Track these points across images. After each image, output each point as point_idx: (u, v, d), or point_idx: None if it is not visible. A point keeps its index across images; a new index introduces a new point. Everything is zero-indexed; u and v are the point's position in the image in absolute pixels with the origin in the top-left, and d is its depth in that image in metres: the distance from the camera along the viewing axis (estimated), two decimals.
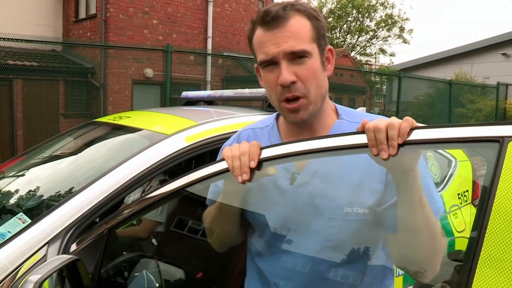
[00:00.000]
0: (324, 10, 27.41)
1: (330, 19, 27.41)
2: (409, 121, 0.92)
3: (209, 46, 12.86)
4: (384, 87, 25.22)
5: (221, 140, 1.86)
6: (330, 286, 1.17)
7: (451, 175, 2.69)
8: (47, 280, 1.09)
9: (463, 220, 2.49)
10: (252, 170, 1.07)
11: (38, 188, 2.01)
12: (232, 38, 13.72)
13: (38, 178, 2.19)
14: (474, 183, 2.81)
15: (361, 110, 3.33)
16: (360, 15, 27.36)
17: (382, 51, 28.61)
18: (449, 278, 1.02)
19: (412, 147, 0.93)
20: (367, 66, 29.58)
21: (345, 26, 27.95)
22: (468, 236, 0.87)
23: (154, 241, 2.45)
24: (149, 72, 11.01)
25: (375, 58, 29.99)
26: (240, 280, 1.35)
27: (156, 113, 2.61)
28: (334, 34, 28.09)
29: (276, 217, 1.20)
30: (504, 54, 19.02)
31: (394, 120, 0.93)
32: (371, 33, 27.93)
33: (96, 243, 1.40)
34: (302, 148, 1.06)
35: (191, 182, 1.22)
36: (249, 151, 1.08)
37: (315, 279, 1.16)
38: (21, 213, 1.73)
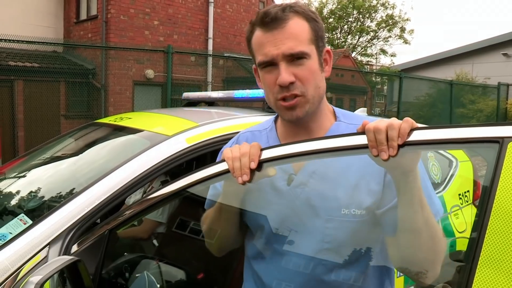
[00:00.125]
0: (325, 11, 27.41)
1: (331, 20, 27.41)
2: (409, 122, 0.93)
3: (210, 47, 12.87)
4: (385, 87, 25.27)
5: (222, 141, 1.86)
6: None
7: (452, 175, 2.69)
8: (48, 281, 1.09)
9: (464, 220, 2.48)
10: (252, 171, 1.07)
11: (39, 189, 2.02)
12: (233, 39, 13.73)
13: (39, 179, 2.20)
14: (475, 184, 2.80)
15: (362, 110, 3.35)
16: (360, 16, 27.34)
17: (383, 51, 28.60)
18: (450, 278, 1.02)
19: (412, 148, 0.93)
20: (368, 66, 29.59)
21: (346, 26, 27.94)
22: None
23: (155, 242, 2.45)
24: (150, 73, 11.03)
25: (376, 58, 29.99)
26: (242, 281, 1.34)
27: (157, 114, 2.62)
28: (335, 35, 28.08)
29: (273, 219, 1.20)
30: (505, 54, 19.01)
31: (394, 121, 0.94)
32: (372, 33, 27.92)
33: (97, 244, 1.41)
34: (304, 149, 1.06)
35: (192, 183, 1.22)
36: (249, 152, 1.08)
37: (312, 281, 1.15)
38: (22, 214, 1.73)
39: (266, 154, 1.09)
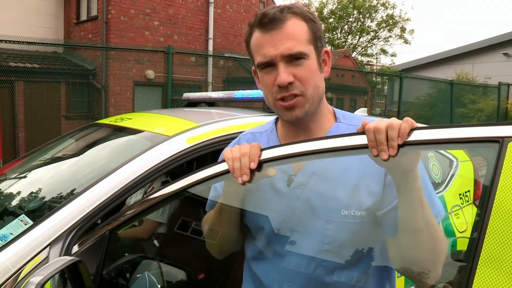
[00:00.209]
0: (325, 11, 27.42)
1: (331, 20, 27.42)
2: (409, 121, 0.93)
3: (210, 48, 12.88)
4: (386, 87, 25.26)
5: (222, 142, 1.86)
6: None
7: (452, 175, 2.68)
8: (49, 281, 1.10)
9: (464, 220, 2.48)
10: (252, 172, 1.07)
11: (40, 190, 2.02)
12: (233, 39, 13.74)
13: (40, 180, 2.20)
14: (476, 183, 2.80)
15: (362, 111, 3.35)
16: (361, 16, 27.35)
17: (383, 51, 28.61)
18: (451, 278, 1.02)
19: (412, 148, 0.93)
20: (369, 66, 29.57)
21: (346, 26, 27.94)
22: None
23: (155, 242, 2.45)
24: (150, 73, 11.03)
25: (376, 58, 30.00)
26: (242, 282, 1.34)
27: (158, 115, 2.62)
28: (335, 35, 28.09)
29: (272, 219, 1.20)
30: (505, 54, 19.00)
31: (394, 120, 0.94)
32: (372, 33, 27.93)
33: (98, 244, 1.41)
34: (303, 149, 1.06)
35: (192, 183, 1.23)
36: (249, 153, 1.08)
37: (312, 282, 1.15)
38: (23, 215, 1.74)
39: (266, 154, 1.10)
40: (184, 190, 1.24)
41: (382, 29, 27.55)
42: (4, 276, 1.33)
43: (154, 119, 2.51)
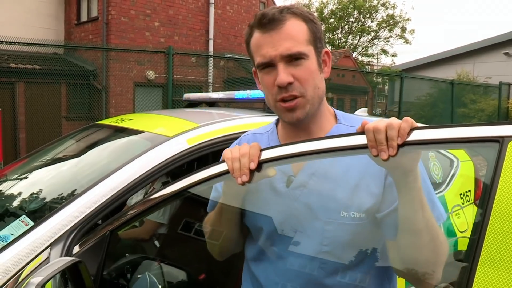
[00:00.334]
0: (326, 11, 27.44)
1: (331, 20, 27.43)
2: (408, 121, 0.92)
3: (211, 48, 12.88)
4: (386, 87, 25.25)
5: (222, 142, 1.86)
6: None
7: (453, 175, 2.68)
8: (50, 282, 1.10)
9: (465, 220, 2.48)
10: (252, 172, 1.07)
11: (40, 190, 2.02)
12: (233, 39, 13.74)
13: (41, 180, 2.20)
14: (476, 183, 2.80)
15: (363, 111, 3.34)
16: (361, 16, 27.36)
17: (384, 51, 28.61)
18: (451, 278, 1.02)
19: (412, 148, 0.92)
20: (369, 66, 29.56)
21: (346, 26, 27.95)
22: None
23: (156, 243, 2.45)
24: (151, 74, 11.04)
25: (377, 58, 30.00)
26: None
27: (158, 115, 2.62)
28: (336, 35, 28.10)
29: (271, 220, 1.19)
30: (506, 54, 19.00)
31: (393, 120, 0.93)
32: (372, 33, 27.94)
33: (99, 245, 1.41)
34: (303, 149, 1.06)
35: (193, 184, 1.23)
36: (249, 153, 1.08)
37: (311, 284, 1.15)
38: (24, 216, 1.74)
39: (266, 155, 1.10)
40: (184, 190, 1.25)
41: (382, 29, 27.57)
42: (5, 277, 1.34)
43: (155, 119, 2.51)
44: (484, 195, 0.84)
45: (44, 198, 1.93)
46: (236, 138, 1.39)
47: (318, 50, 1.15)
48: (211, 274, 2.10)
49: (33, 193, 2.01)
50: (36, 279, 1.04)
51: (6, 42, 6.89)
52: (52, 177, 2.21)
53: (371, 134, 0.93)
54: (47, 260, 1.40)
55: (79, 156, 2.38)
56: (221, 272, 2.05)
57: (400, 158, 0.92)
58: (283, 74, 1.09)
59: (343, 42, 28.02)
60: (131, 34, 11.21)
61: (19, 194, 2.06)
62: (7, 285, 1.33)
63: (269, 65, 1.12)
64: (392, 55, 31.45)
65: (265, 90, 1.17)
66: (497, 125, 0.86)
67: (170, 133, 1.91)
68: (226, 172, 1.12)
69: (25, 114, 9.08)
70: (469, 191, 2.68)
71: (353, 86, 18.09)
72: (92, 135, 2.57)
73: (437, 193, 2.45)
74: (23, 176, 2.30)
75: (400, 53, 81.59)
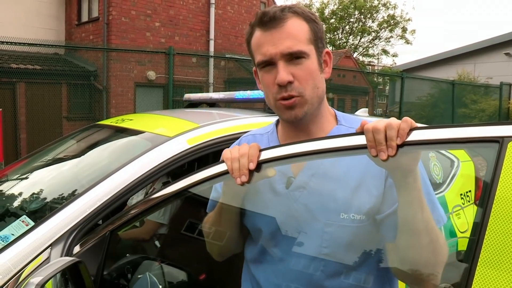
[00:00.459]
0: (326, 11, 27.43)
1: (332, 20, 27.42)
2: (408, 121, 0.92)
3: (211, 48, 12.89)
4: (387, 87, 25.22)
5: (223, 142, 1.86)
6: None
7: (453, 175, 2.68)
8: (50, 282, 1.10)
9: (466, 220, 2.48)
10: (251, 172, 1.07)
11: (41, 190, 2.02)
12: (234, 40, 13.75)
13: (41, 180, 2.20)
14: (477, 183, 2.79)
15: (363, 111, 3.34)
16: (362, 16, 27.35)
17: (385, 51, 28.60)
18: (451, 279, 1.01)
19: (411, 148, 0.92)
20: (370, 67, 29.56)
21: (347, 27, 27.95)
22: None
23: (156, 243, 2.45)
24: (151, 74, 11.04)
25: (378, 59, 29.97)
26: None
27: (159, 116, 2.62)
28: (337, 35, 28.09)
29: (271, 222, 1.19)
30: (507, 54, 18.98)
31: (393, 120, 0.93)
32: (373, 34, 27.92)
33: (99, 245, 1.41)
34: (302, 149, 1.06)
35: (193, 184, 1.23)
36: (248, 153, 1.08)
37: (310, 286, 1.14)
38: (24, 216, 1.74)
39: (265, 155, 1.09)
40: (185, 190, 1.25)
41: (383, 30, 27.56)
42: (5, 277, 1.34)
43: (155, 120, 2.52)
44: (484, 195, 0.84)
45: (45, 198, 1.93)
46: (237, 139, 1.39)
47: (319, 50, 1.15)
48: (212, 274, 2.10)
49: (33, 193, 2.01)
50: (36, 279, 1.04)
51: (7, 43, 6.89)
52: (53, 177, 2.21)
53: (370, 134, 0.93)
54: (47, 260, 1.40)
55: (79, 156, 2.38)
56: (221, 272, 2.05)
57: (400, 158, 0.92)
58: (283, 73, 1.09)
59: (344, 42, 28.01)
60: (131, 35, 11.21)
61: (20, 194, 2.06)
62: (7, 285, 1.33)
63: (269, 64, 1.12)
64: (393, 56, 31.46)
65: (265, 89, 1.17)
66: (497, 125, 0.86)
67: (171, 133, 1.91)
68: (225, 172, 1.12)
69: (25, 114, 9.09)
70: (470, 191, 2.68)
71: (354, 87, 18.09)
72: (92, 135, 2.58)
73: (437, 193, 2.45)
74: (24, 176, 2.31)
75: (401, 54, 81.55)
